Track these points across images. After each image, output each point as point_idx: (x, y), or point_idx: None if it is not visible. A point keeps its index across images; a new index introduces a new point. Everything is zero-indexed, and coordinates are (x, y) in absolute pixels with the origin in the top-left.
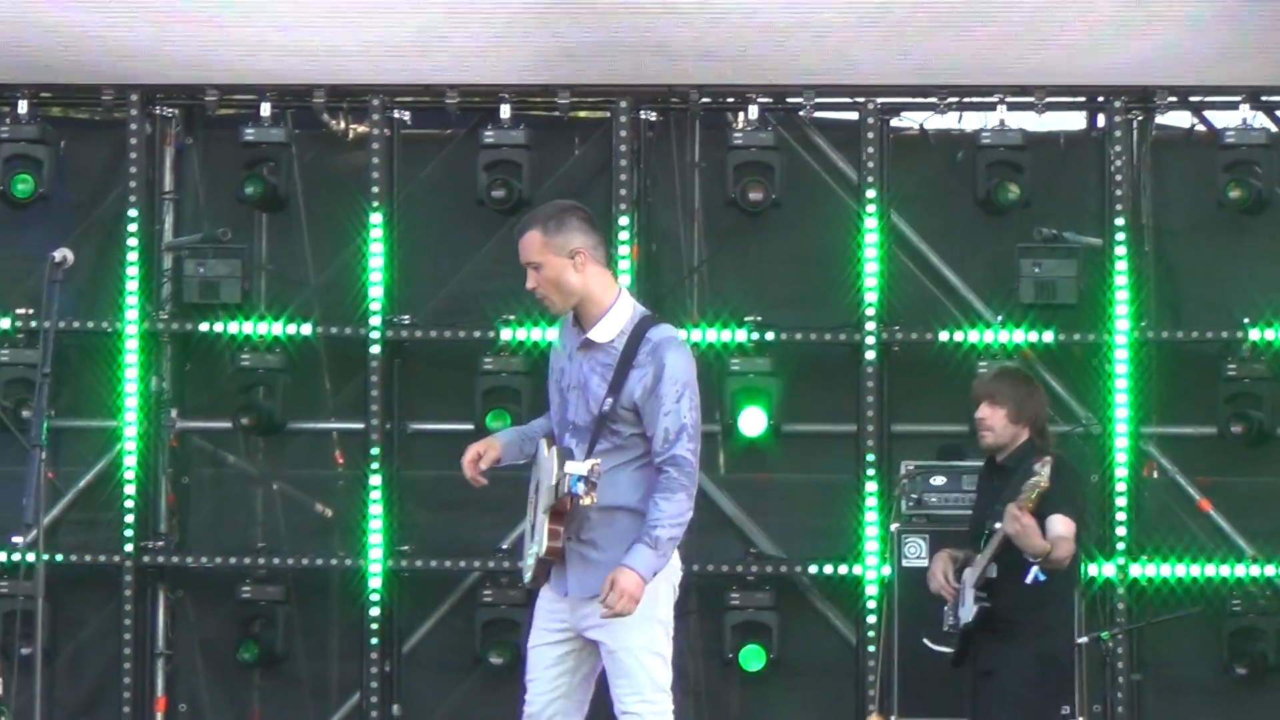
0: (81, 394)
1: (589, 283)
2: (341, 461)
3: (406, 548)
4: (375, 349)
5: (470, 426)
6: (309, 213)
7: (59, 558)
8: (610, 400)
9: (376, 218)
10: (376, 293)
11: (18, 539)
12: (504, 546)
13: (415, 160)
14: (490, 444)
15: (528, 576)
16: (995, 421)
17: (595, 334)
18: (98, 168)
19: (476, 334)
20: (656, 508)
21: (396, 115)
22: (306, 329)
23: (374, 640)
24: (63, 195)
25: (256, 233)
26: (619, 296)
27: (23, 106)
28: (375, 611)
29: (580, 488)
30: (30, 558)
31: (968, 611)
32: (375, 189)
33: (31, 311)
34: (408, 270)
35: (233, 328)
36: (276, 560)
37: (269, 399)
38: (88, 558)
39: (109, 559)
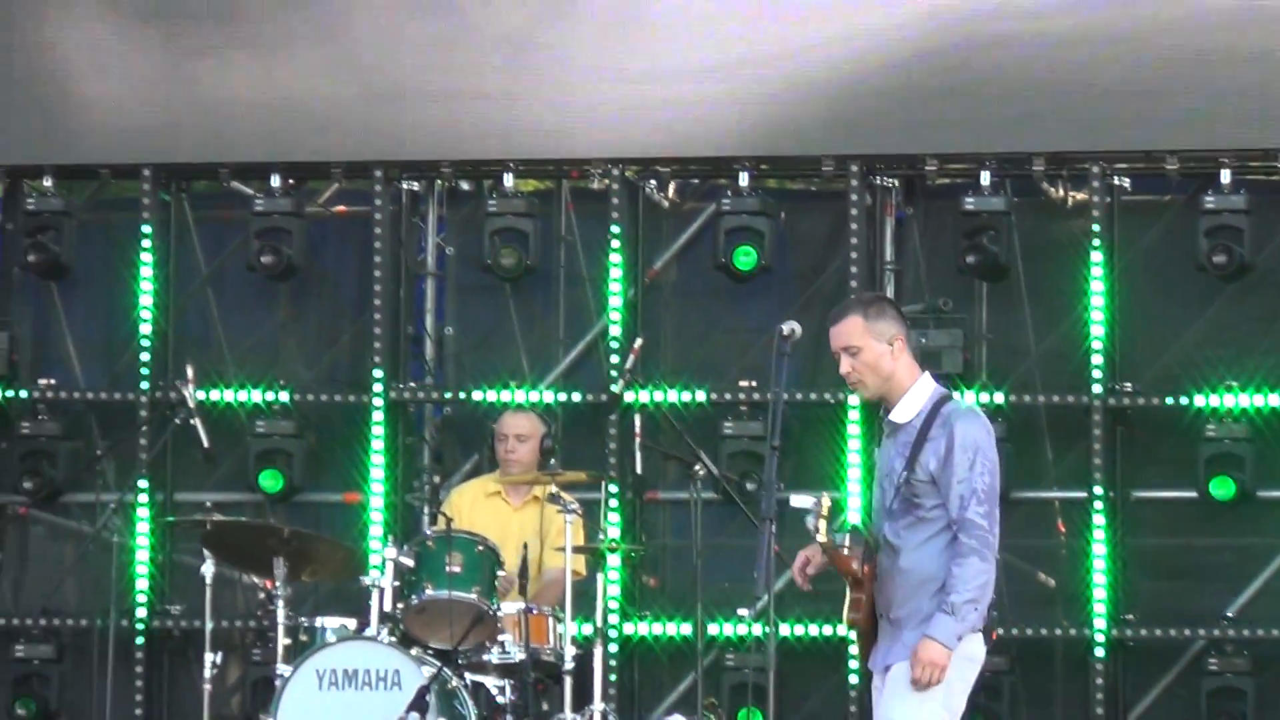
0: (804, 465)
1: (898, 369)
2: (1064, 530)
3: (1130, 616)
4: (1097, 417)
5: (1194, 494)
6: (1029, 281)
7: (785, 632)
8: (905, 473)
9: (1098, 285)
10: (1097, 361)
11: (744, 611)
12: (1229, 614)
13: (1134, 226)
14: (815, 550)
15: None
16: None
17: (896, 415)
18: (818, 239)
19: (1199, 401)
20: (951, 575)
21: (1116, 182)
22: (1028, 398)
23: (1099, 710)
24: (784, 266)
25: (977, 301)
26: (919, 379)
27: (743, 179)
28: (1100, 681)
29: (809, 521)
30: (758, 630)
31: None
32: (1096, 255)
33: (754, 384)
34: (1128, 337)
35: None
36: (1001, 630)
37: None
38: (814, 630)
39: (833, 631)
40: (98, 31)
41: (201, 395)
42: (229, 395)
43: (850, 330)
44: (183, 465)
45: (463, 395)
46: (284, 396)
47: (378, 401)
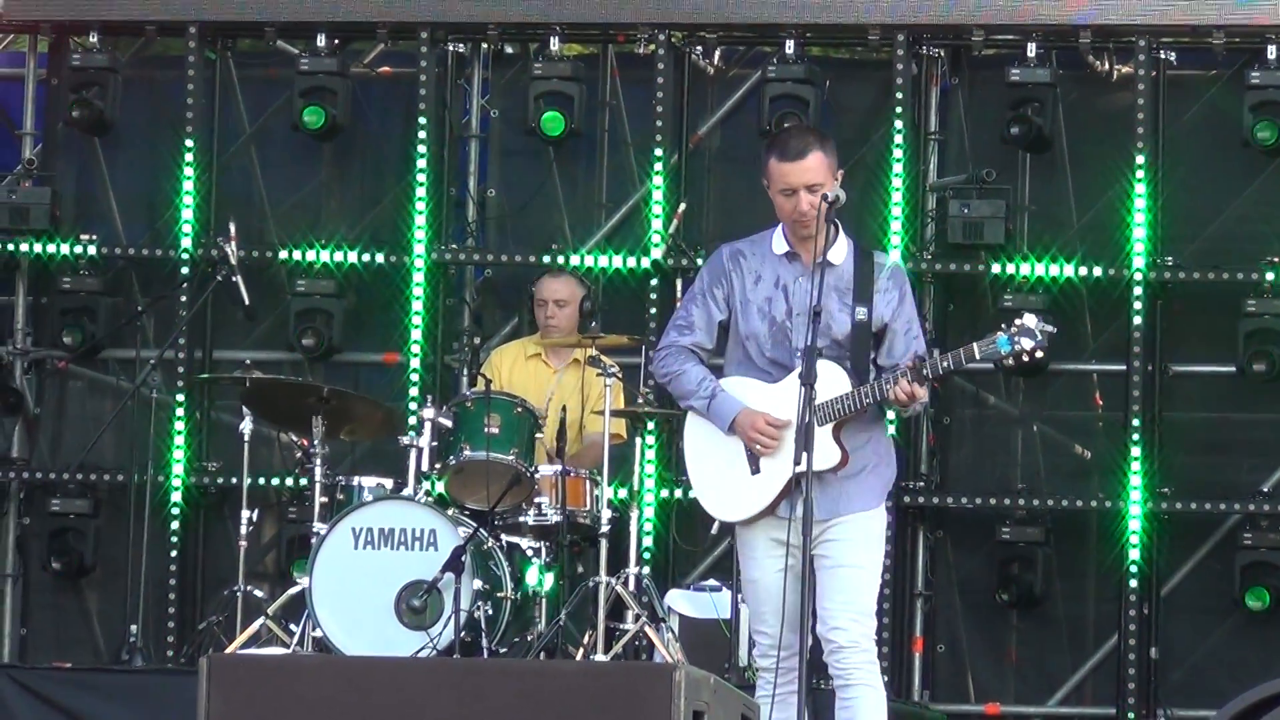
0: None
1: None
2: (1101, 403)
3: (1166, 490)
4: (1138, 290)
5: (1232, 369)
6: (1072, 153)
7: None
8: (861, 320)
9: (1140, 159)
10: (1139, 234)
11: None
12: (1265, 489)
13: (1179, 101)
14: (762, 413)
15: (760, 506)
16: None
17: (833, 255)
18: (862, 108)
19: (1240, 275)
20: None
21: (1162, 56)
22: (1069, 270)
23: (1133, 583)
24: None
25: (1020, 173)
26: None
27: (790, 46)
28: (1134, 554)
29: (1027, 343)
30: None
31: None
32: (1140, 129)
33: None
34: (1171, 211)
35: (995, 268)
36: (1036, 502)
37: None
38: None
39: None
40: None
41: (243, 253)
42: (270, 254)
43: (820, 166)
44: (222, 323)
45: (504, 258)
46: (325, 256)
47: (419, 263)
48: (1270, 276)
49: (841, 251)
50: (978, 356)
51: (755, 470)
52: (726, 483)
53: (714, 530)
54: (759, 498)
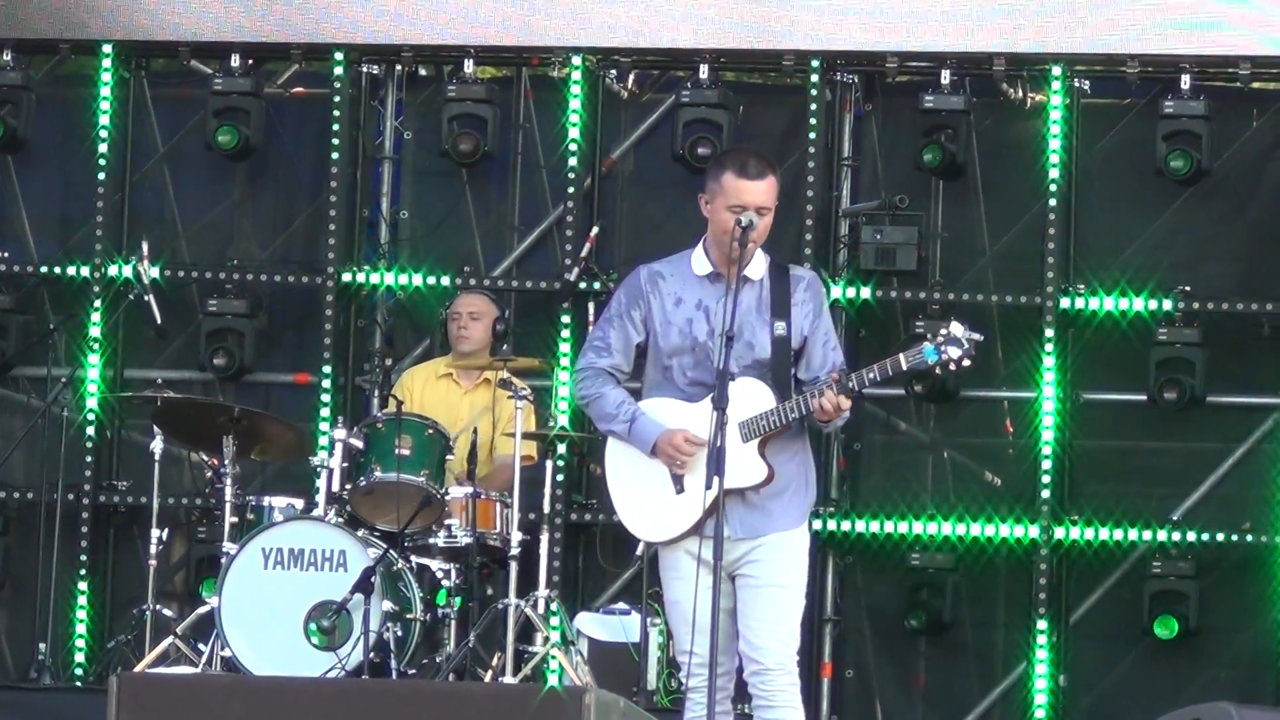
0: None
1: None
2: (1012, 430)
3: (1076, 518)
4: (1050, 317)
5: (1143, 397)
6: (985, 181)
7: None
8: (787, 334)
9: (1053, 187)
10: (1052, 262)
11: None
12: (1175, 518)
13: (1093, 129)
14: (681, 430)
15: (685, 526)
16: None
17: (752, 271)
18: (776, 133)
19: (1151, 304)
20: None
21: (1076, 84)
22: (981, 297)
23: (1041, 610)
24: None
25: (933, 200)
26: None
27: (703, 71)
28: (1043, 581)
29: (954, 352)
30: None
31: None
32: (1053, 157)
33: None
34: (1083, 239)
35: (907, 295)
36: (946, 528)
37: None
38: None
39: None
40: None
41: (155, 272)
42: (182, 273)
43: (772, 191)
44: (134, 341)
45: (416, 279)
46: (237, 276)
47: (330, 283)
48: (1182, 305)
49: (760, 268)
50: (904, 367)
51: (680, 490)
52: (651, 504)
53: (639, 551)
54: (683, 518)
